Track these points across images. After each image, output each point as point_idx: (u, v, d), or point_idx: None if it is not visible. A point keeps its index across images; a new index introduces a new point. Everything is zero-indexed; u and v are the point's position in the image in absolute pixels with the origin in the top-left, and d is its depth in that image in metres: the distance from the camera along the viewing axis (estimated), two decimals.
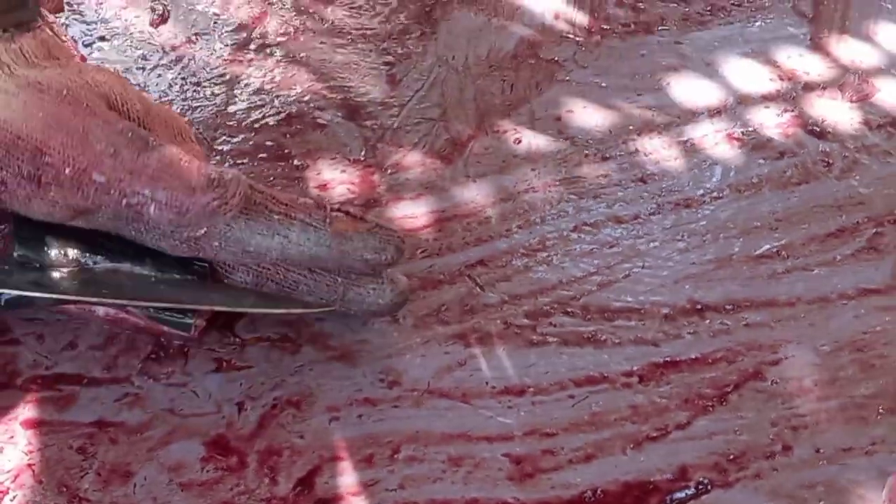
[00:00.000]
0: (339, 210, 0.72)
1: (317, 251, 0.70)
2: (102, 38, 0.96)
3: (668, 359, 0.76)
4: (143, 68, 0.93)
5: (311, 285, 0.72)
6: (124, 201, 0.68)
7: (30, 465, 0.67)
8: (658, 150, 0.90)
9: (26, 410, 0.70)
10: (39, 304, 0.71)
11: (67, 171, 0.67)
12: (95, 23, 0.97)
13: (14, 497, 0.66)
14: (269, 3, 0.97)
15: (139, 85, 0.91)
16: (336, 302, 0.73)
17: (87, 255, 0.71)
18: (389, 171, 0.86)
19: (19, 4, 0.72)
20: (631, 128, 0.91)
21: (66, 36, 0.77)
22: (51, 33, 0.73)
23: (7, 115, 0.67)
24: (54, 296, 0.70)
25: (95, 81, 0.71)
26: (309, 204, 0.71)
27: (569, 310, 0.78)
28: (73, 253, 0.71)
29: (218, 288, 0.72)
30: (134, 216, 0.68)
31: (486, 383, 0.74)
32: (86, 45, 0.94)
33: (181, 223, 0.68)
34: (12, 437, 0.69)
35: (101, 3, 0.99)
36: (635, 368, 0.75)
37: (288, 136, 0.88)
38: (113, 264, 0.71)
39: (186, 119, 0.76)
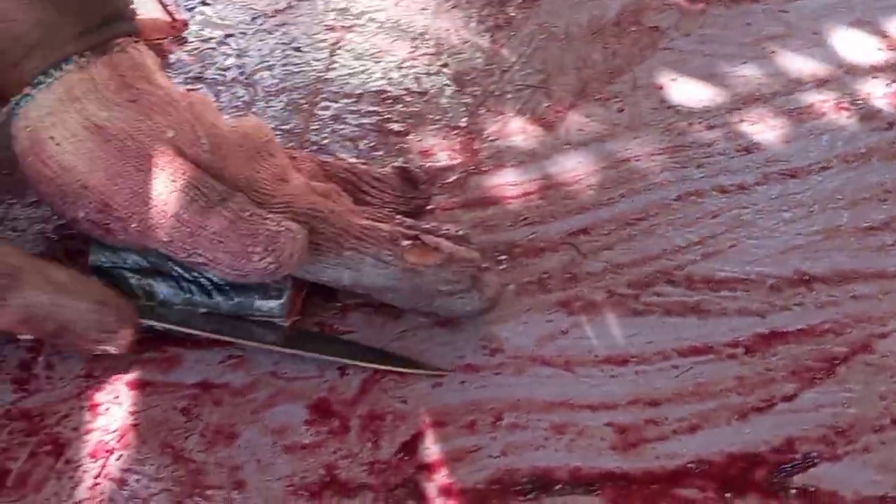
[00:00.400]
0: (415, 238, 0.71)
1: (389, 284, 0.71)
2: (204, 3, 0.96)
3: (774, 330, 0.75)
4: (245, 33, 0.93)
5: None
6: (189, 259, 0.69)
7: (134, 426, 0.68)
8: (764, 120, 0.88)
9: (131, 371, 0.70)
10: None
11: (133, 226, 0.69)
12: None
13: (119, 457, 0.66)
14: None
15: (240, 51, 0.91)
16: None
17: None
18: (491, 138, 0.86)
19: (115, 15, 0.73)
20: (735, 97, 0.90)
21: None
22: (131, 51, 0.73)
23: (75, 162, 0.69)
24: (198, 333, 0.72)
25: (161, 126, 0.70)
26: (382, 236, 0.71)
27: (672, 279, 0.77)
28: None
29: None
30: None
31: (589, 352, 0.73)
32: (188, 10, 0.95)
33: (243, 280, 0.69)
34: (117, 397, 0.69)
35: None
36: (741, 339, 0.74)
37: (389, 102, 0.87)
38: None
39: (269, 132, 0.75)
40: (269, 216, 0.68)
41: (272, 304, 0.72)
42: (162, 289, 0.72)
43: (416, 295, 0.71)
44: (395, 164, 0.81)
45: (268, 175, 0.72)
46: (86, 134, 0.69)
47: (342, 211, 0.72)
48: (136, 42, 0.74)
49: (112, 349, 0.69)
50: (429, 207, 0.81)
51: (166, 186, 0.68)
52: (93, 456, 0.66)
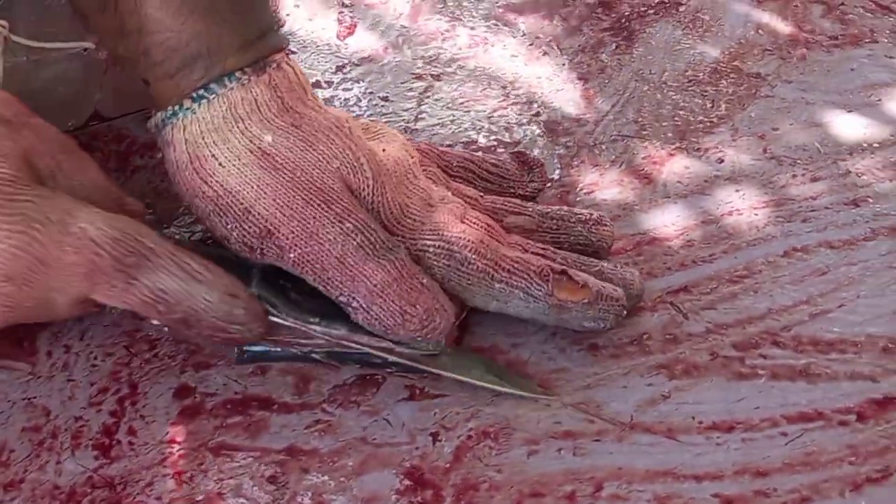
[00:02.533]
0: (562, 273, 0.71)
1: (535, 317, 0.72)
2: (290, 52, 0.94)
3: (887, 395, 0.71)
4: (331, 82, 0.91)
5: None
6: (340, 299, 0.69)
7: (220, 494, 0.65)
8: (871, 171, 0.85)
9: (216, 436, 0.68)
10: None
11: (292, 256, 0.69)
12: None
13: None
14: (458, 15, 0.95)
15: (326, 100, 0.89)
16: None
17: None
18: (585, 190, 0.83)
19: (269, 26, 0.73)
20: (841, 147, 0.87)
21: None
22: (286, 68, 0.73)
23: (239, 186, 0.69)
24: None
25: (326, 156, 0.71)
26: (532, 270, 0.71)
27: (779, 340, 0.74)
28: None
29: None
30: None
31: (693, 418, 0.70)
32: None
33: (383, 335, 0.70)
34: (202, 464, 0.67)
35: (288, 14, 0.97)
36: (852, 405, 0.71)
37: (480, 152, 0.85)
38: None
39: (420, 144, 0.75)
40: (426, 281, 0.70)
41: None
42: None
43: (560, 324, 0.72)
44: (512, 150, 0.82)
45: (417, 201, 0.73)
46: (251, 158, 0.69)
47: (491, 242, 0.72)
48: (288, 56, 0.74)
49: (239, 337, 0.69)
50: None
51: (334, 226, 0.69)
52: None
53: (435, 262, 0.71)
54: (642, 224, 0.81)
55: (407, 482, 0.66)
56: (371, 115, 0.89)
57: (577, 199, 0.82)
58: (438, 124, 0.88)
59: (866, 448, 0.68)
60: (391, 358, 0.70)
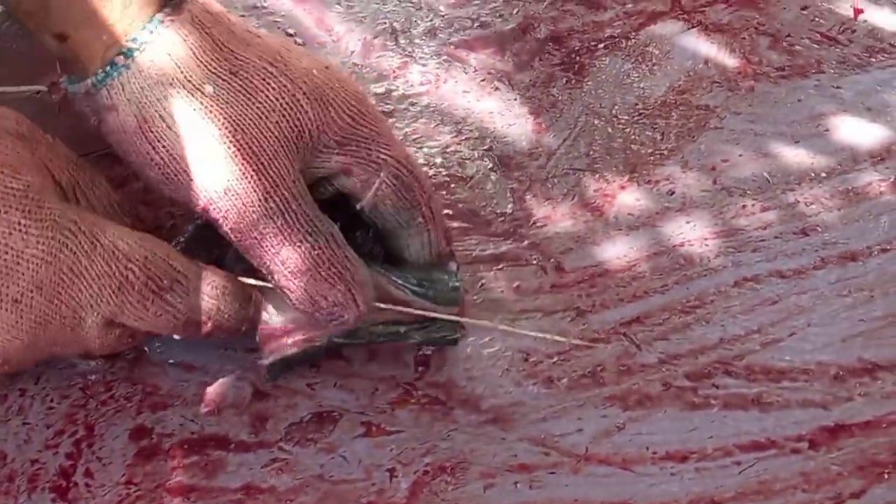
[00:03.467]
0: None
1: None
2: None
3: (838, 423, 0.72)
4: None
5: None
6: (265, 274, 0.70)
7: None
8: (820, 200, 0.86)
9: (174, 476, 0.68)
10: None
11: (225, 229, 0.68)
12: None
13: None
14: (410, 52, 0.95)
15: None
16: None
17: None
18: (538, 224, 0.83)
19: None
20: (790, 177, 0.87)
21: None
22: None
23: (184, 154, 0.68)
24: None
25: (265, 109, 0.69)
26: (444, 227, 0.75)
27: (731, 370, 0.75)
28: None
29: None
30: None
31: (647, 448, 0.71)
32: None
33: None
34: None
35: None
36: (804, 433, 0.72)
37: (433, 188, 0.85)
38: None
39: None
40: (345, 269, 0.69)
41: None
42: None
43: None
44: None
45: (368, 107, 0.73)
46: (195, 116, 0.67)
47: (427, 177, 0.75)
48: None
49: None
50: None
51: (259, 205, 0.67)
52: None
53: (384, 179, 0.72)
54: (595, 256, 0.82)
55: None
56: None
57: (530, 232, 0.83)
58: None
59: (819, 475, 0.69)
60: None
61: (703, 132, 0.91)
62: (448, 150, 0.89)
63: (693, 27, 0.98)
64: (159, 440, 0.70)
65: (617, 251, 0.82)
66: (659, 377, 0.74)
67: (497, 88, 0.93)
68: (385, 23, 0.96)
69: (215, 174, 0.67)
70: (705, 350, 0.76)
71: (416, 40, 0.96)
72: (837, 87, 0.94)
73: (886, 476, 0.69)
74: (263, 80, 0.69)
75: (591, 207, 0.85)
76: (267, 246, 0.67)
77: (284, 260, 0.67)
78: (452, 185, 0.86)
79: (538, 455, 0.70)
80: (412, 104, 0.92)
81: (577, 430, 0.71)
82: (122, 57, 0.67)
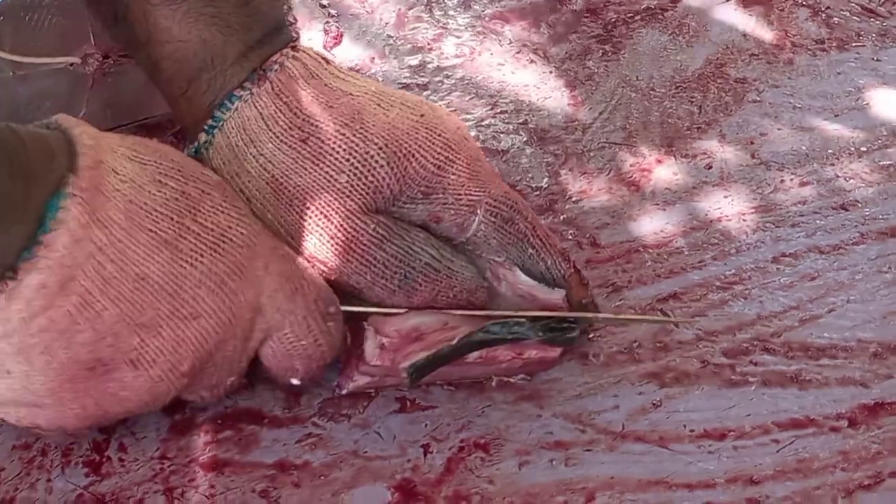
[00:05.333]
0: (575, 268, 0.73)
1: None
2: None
3: (878, 400, 0.71)
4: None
5: None
6: None
7: None
8: (859, 175, 0.85)
9: (207, 451, 0.68)
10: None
11: None
12: None
13: None
14: (445, 24, 0.94)
15: None
16: None
17: None
18: (574, 198, 0.83)
19: (276, 26, 0.72)
20: (829, 151, 0.86)
21: None
22: (289, 66, 0.71)
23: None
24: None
25: (334, 170, 0.69)
26: (557, 248, 0.73)
27: (769, 347, 0.74)
28: None
29: None
30: None
31: (684, 426, 0.70)
32: None
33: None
34: (192, 479, 0.67)
35: None
36: (844, 411, 0.71)
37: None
38: None
39: None
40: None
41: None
42: None
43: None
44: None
45: (448, 156, 0.71)
46: (268, 190, 0.68)
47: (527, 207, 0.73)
48: (295, 48, 0.72)
49: None
50: None
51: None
52: None
53: (482, 220, 0.71)
54: (631, 231, 0.81)
55: (398, 495, 0.66)
56: None
57: (566, 206, 0.82)
58: None
59: (858, 454, 0.69)
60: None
61: (741, 105, 0.90)
62: (483, 123, 0.88)
63: None
64: (192, 415, 0.69)
65: (653, 226, 0.81)
66: (696, 354, 0.74)
67: (532, 61, 0.93)
68: None
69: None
70: (743, 327, 0.75)
71: (451, 12, 0.95)
72: (878, 60, 0.93)
73: None
74: (335, 141, 0.69)
75: (628, 182, 0.84)
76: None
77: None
78: (487, 159, 0.85)
79: (574, 432, 0.69)
80: (447, 76, 0.91)
81: (613, 407, 0.71)
82: (203, 134, 0.70)
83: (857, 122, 0.89)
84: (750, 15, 0.96)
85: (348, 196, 0.68)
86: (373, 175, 0.68)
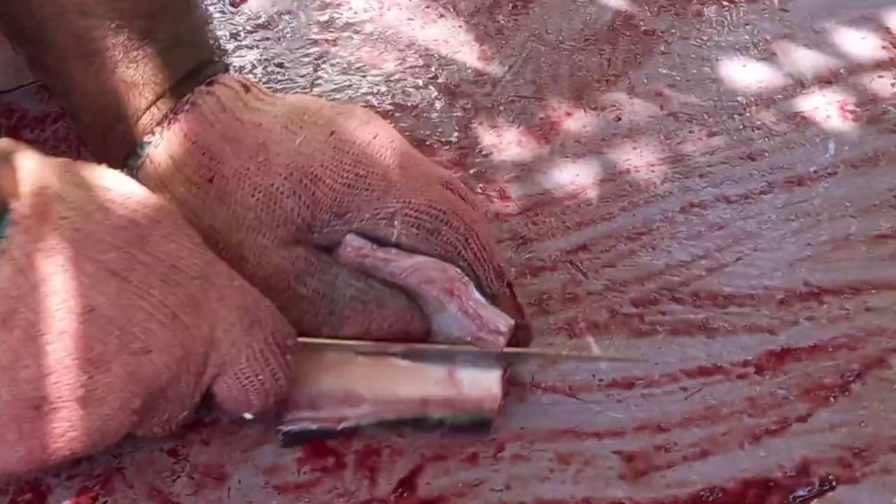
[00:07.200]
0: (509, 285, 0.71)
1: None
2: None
3: (784, 347, 0.72)
4: (225, 50, 0.90)
5: None
6: None
7: (119, 469, 0.65)
8: (767, 125, 0.85)
9: None
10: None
11: None
12: None
13: (104, 502, 0.63)
14: None
15: None
16: None
17: None
18: (484, 152, 0.83)
19: (199, 63, 0.72)
20: (737, 101, 0.87)
21: None
22: (202, 103, 0.70)
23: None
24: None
25: (241, 208, 0.68)
26: (493, 264, 0.68)
27: (677, 296, 0.75)
28: None
29: None
30: None
31: (594, 376, 0.70)
32: None
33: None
34: None
35: None
36: (751, 358, 0.72)
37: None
38: None
39: None
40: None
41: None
42: None
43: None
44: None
45: (373, 188, 0.68)
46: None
47: (467, 209, 0.69)
48: (213, 83, 0.70)
49: None
50: None
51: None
52: (76, 503, 0.63)
53: (401, 231, 0.67)
54: (541, 184, 0.81)
55: (308, 451, 0.66)
56: (267, 82, 0.88)
57: (476, 161, 0.82)
58: (335, 89, 0.87)
59: (764, 400, 0.69)
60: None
61: (650, 57, 0.90)
62: (392, 78, 0.88)
63: None
64: None
65: (563, 179, 0.82)
66: (605, 304, 0.74)
67: (442, 15, 0.93)
68: None
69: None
70: (651, 276, 0.76)
71: None
72: (785, 11, 0.94)
73: (832, 400, 0.69)
74: (239, 179, 0.67)
75: (537, 135, 0.84)
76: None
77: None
78: (397, 114, 0.85)
79: None
80: (356, 32, 0.91)
81: (523, 359, 0.71)
82: (126, 170, 0.68)
83: (765, 72, 0.90)
84: None
85: (258, 232, 0.67)
86: (280, 207, 0.67)
